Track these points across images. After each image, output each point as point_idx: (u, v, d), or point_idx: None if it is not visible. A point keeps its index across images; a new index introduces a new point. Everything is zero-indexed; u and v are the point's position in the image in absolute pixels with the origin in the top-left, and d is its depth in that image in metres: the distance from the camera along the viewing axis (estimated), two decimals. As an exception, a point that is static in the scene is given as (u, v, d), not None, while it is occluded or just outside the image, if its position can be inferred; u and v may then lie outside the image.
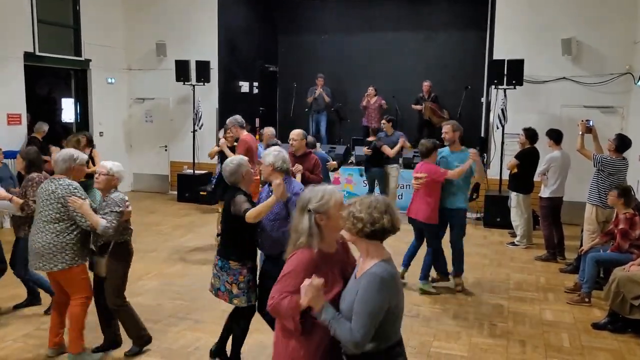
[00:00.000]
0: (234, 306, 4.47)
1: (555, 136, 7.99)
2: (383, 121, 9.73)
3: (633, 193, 6.27)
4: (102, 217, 4.39)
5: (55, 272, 4.48)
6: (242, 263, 4.32)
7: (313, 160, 6.49)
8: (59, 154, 4.70)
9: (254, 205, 4.23)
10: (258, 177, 7.65)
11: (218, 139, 9.62)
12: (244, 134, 7.88)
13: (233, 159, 4.46)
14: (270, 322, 4.12)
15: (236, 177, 4.36)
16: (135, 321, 4.82)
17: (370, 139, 9.70)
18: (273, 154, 4.37)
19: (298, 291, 2.62)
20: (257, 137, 13.05)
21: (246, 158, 4.59)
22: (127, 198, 4.69)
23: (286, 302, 2.66)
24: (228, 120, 8.09)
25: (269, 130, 8.69)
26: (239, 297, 4.33)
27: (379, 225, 2.57)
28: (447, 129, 6.53)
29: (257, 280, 4.46)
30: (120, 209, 4.49)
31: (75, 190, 4.45)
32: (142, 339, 4.89)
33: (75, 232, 4.45)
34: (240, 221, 4.15)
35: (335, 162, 8.68)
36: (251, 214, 4.07)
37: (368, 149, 9.51)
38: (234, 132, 7.92)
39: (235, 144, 8.01)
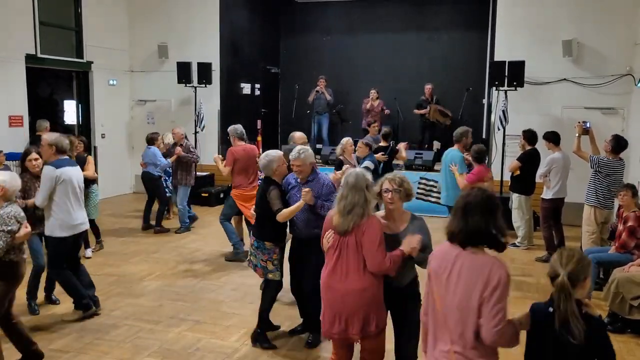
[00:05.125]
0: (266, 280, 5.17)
1: (553, 138, 8.00)
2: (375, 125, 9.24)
3: None
4: None
5: None
6: (275, 244, 5.07)
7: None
8: None
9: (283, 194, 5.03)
10: (256, 185, 7.68)
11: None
12: (237, 145, 7.72)
13: (267, 154, 5.11)
14: (298, 294, 5.21)
15: (268, 171, 5.06)
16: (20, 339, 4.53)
17: (383, 143, 8.98)
18: (310, 152, 5.00)
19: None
20: (260, 138, 13.15)
21: (280, 153, 5.17)
22: (22, 214, 4.40)
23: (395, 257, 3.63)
24: (228, 129, 8.02)
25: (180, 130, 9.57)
26: (274, 272, 5.07)
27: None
28: None
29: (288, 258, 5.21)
30: (9, 228, 4.21)
31: None
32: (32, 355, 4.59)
33: None
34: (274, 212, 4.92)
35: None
36: (281, 216, 4.87)
37: (384, 154, 8.70)
38: (231, 142, 7.82)
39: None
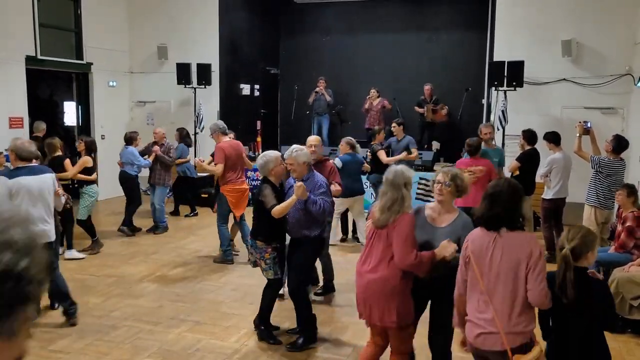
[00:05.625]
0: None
1: (554, 138, 7.99)
2: (393, 124, 9.56)
3: None
4: None
5: None
6: (268, 243, 5.08)
7: (329, 168, 6.42)
8: None
9: (279, 194, 5.04)
10: (246, 187, 7.68)
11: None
12: (223, 140, 7.64)
13: (264, 155, 5.18)
14: (291, 290, 5.17)
15: (264, 171, 5.12)
16: None
17: (374, 143, 9.28)
18: (304, 152, 5.02)
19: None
20: (259, 138, 13.16)
21: (277, 154, 5.19)
22: None
23: (425, 257, 3.68)
24: (209, 127, 7.96)
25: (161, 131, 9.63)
26: (267, 270, 5.14)
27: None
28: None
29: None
30: None
31: None
32: None
33: None
34: (268, 209, 4.92)
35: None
36: (276, 211, 4.86)
37: (368, 152, 9.15)
38: (215, 139, 7.73)
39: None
